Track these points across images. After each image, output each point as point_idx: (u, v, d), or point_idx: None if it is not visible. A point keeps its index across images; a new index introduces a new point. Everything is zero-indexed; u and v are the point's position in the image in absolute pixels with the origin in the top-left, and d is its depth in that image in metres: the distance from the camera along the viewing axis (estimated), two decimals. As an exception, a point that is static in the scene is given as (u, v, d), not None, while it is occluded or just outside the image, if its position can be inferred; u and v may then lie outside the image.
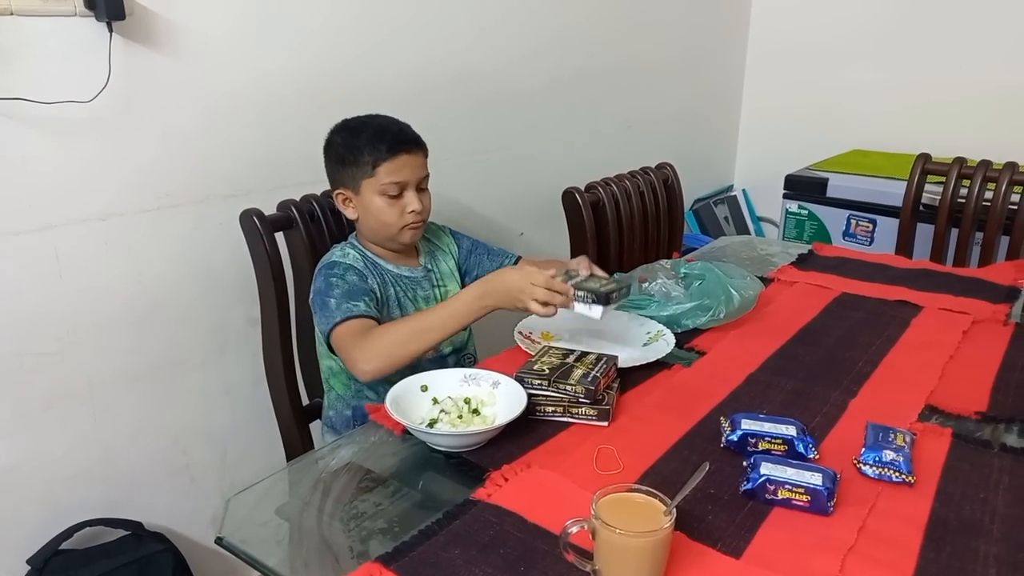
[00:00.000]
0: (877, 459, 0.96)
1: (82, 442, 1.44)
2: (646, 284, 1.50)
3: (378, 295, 1.33)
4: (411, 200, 1.33)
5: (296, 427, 1.46)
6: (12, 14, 1.21)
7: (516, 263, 1.54)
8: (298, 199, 1.47)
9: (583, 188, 1.78)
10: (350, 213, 1.36)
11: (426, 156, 1.36)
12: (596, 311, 1.20)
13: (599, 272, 1.33)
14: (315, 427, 1.54)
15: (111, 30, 1.30)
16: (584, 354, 1.18)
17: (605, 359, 1.16)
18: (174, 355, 1.55)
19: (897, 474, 0.94)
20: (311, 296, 1.33)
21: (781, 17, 3.14)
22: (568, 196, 1.74)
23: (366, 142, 1.30)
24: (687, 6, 2.84)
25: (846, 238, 2.57)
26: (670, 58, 2.82)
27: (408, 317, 1.29)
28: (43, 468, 1.40)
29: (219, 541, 0.85)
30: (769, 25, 3.19)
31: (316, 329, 1.34)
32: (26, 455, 1.37)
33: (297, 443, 1.46)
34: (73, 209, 1.35)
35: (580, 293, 1.21)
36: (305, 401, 1.53)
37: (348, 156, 1.31)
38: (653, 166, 2.10)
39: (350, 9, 1.70)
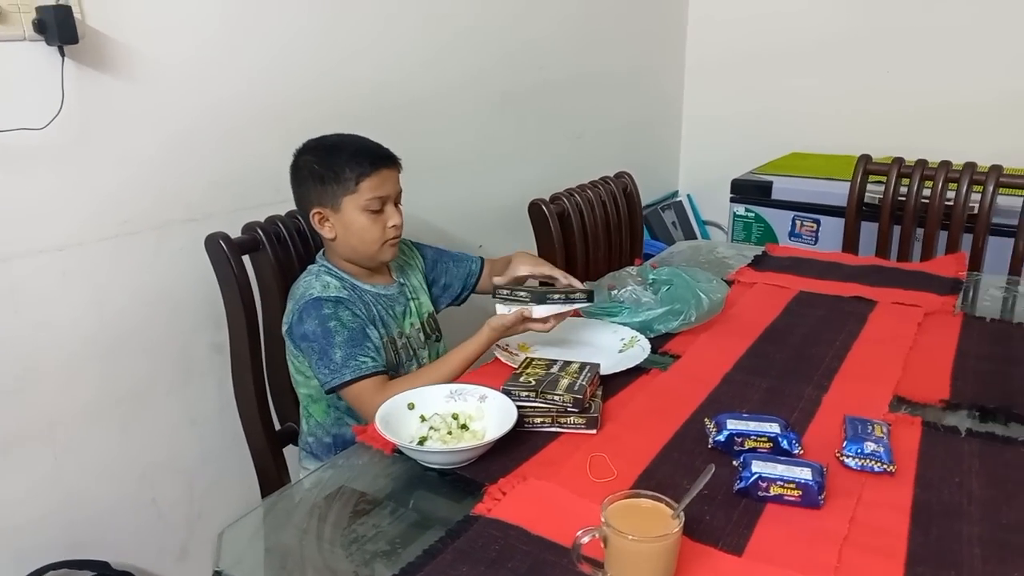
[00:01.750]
0: (859, 451, 0.99)
1: (43, 483, 1.38)
2: (615, 291, 1.53)
3: (366, 319, 1.33)
4: (392, 215, 1.33)
5: (271, 454, 1.43)
6: (-42, 40, 1.17)
7: (481, 265, 1.59)
8: (262, 220, 1.45)
9: (548, 199, 1.80)
10: (327, 232, 1.34)
11: (400, 171, 1.36)
12: (538, 311, 1.28)
13: (567, 281, 1.37)
14: (288, 452, 1.51)
15: (63, 54, 1.25)
16: (567, 363, 1.19)
17: (588, 367, 1.17)
18: (137, 388, 1.50)
19: (879, 464, 0.98)
20: (298, 333, 1.29)
21: (715, 30, 3.25)
22: (535, 208, 1.76)
23: (347, 159, 1.29)
24: (628, 22, 2.91)
25: (792, 238, 2.65)
26: (615, 71, 2.88)
27: (425, 371, 1.31)
28: (2, 512, 1.33)
29: (218, 575, 0.83)
30: (705, 38, 3.29)
31: (314, 374, 1.30)
32: (-16, 500, 1.31)
33: (272, 470, 1.43)
34: (28, 240, 1.29)
35: (522, 294, 1.28)
36: (277, 426, 1.50)
37: (327, 174, 1.30)
38: (607, 175, 2.13)
39: (306, 34, 1.68)
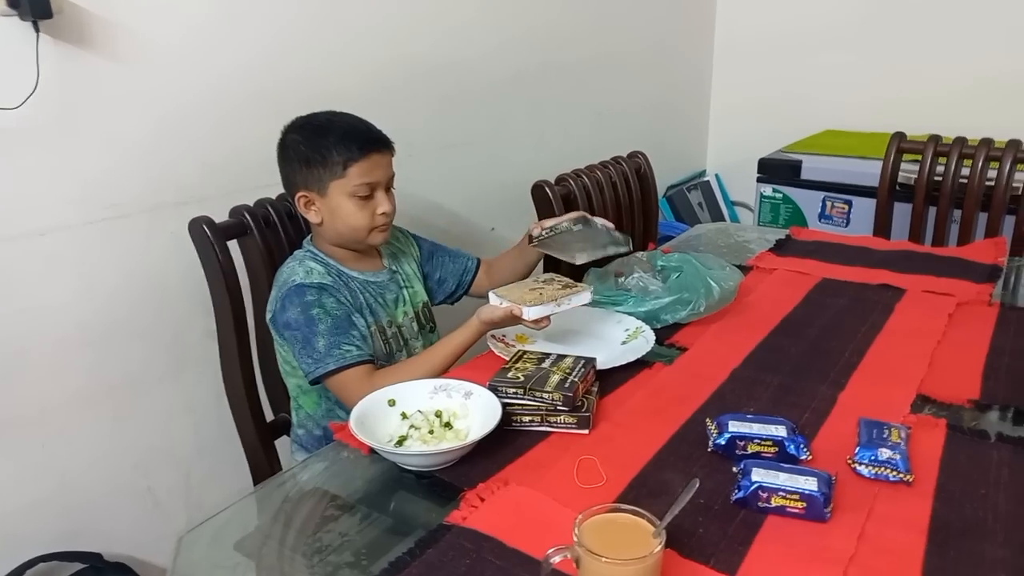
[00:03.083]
0: (873, 458, 0.91)
1: (33, 471, 1.36)
2: (622, 279, 1.45)
3: (352, 307, 1.27)
4: (382, 201, 1.27)
5: (261, 447, 1.38)
6: (-73, 16, 1.12)
7: (478, 265, 1.52)
8: (252, 204, 1.39)
9: (553, 181, 1.72)
10: (313, 217, 1.28)
11: (393, 155, 1.29)
12: (530, 313, 1.18)
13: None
14: (282, 442, 1.47)
15: (37, 30, 1.20)
16: (561, 358, 1.12)
17: (583, 362, 1.10)
18: (131, 374, 1.46)
19: (894, 473, 0.90)
20: (280, 321, 1.24)
21: (747, 5, 3.10)
22: (538, 189, 1.68)
23: (335, 142, 1.22)
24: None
25: (822, 220, 2.53)
26: (638, 49, 2.77)
27: (410, 363, 1.24)
28: (-10, 500, 1.31)
29: (170, 585, 0.78)
30: (736, 13, 3.15)
31: (298, 364, 1.25)
32: (-29, 489, 1.29)
33: (264, 464, 1.38)
34: (7, 224, 1.25)
35: (563, 224, 1.32)
36: (270, 416, 1.45)
37: (314, 157, 1.23)
38: (622, 155, 2.04)
39: (306, 10, 1.62)
